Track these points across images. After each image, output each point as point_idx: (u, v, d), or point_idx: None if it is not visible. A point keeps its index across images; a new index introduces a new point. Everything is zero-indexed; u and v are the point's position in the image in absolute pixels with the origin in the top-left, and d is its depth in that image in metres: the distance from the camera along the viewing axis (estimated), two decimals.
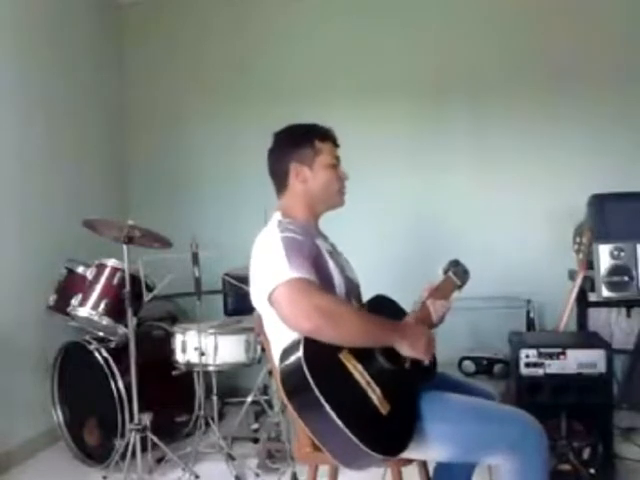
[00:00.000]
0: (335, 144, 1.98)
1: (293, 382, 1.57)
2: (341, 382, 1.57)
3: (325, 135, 1.96)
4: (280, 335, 1.71)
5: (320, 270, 1.74)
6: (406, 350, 1.68)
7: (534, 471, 1.64)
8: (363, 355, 1.63)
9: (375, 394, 1.58)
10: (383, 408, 1.57)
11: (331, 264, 1.83)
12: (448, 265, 2.01)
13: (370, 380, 1.59)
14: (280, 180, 1.95)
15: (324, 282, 1.73)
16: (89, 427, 3.16)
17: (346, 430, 1.47)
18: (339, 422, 1.47)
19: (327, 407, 1.48)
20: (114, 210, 3.90)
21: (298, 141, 1.93)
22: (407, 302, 1.90)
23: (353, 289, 1.92)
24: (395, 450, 1.56)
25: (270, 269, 1.67)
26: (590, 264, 2.78)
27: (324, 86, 3.99)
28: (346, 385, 1.57)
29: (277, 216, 1.88)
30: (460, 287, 1.99)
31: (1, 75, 3.23)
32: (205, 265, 3.10)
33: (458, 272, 1.98)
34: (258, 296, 1.76)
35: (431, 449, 1.68)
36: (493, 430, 1.66)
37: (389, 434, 1.57)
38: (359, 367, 1.60)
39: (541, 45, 3.79)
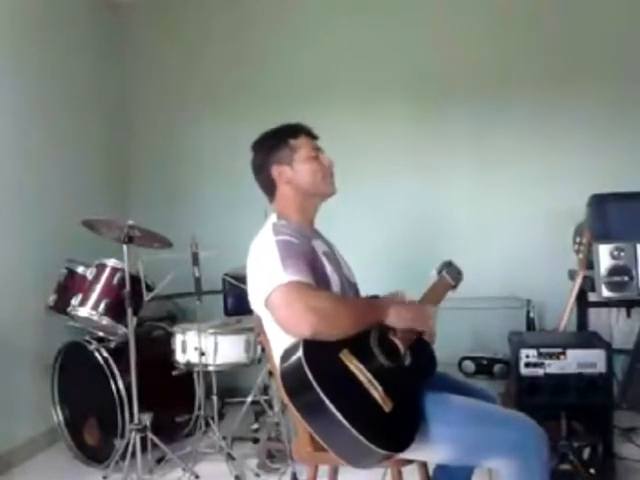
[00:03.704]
0: (311, 136, 1.97)
1: (295, 383, 1.57)
2: (343, 381, 1.57)
3: (297, 131, 1.95)
4: (280, 336, 1.71)
5: (316, 272, 1.74)
6: (393, 320, 1.70)
7: (534, 475, 1.63)
8: (363, 354, 1.63)
9: (377, 392, 1.58)
10: (386, 405, 1.57)
11: (327, 265, 1.83)
12: (442, 266, 2.03)
13: (371, 378, 1.59)
14: (267, 188, 1.96)
15: (321, 284, 1.74)
16: (89, 427, 3.16)
17: (351, 428, 1.48)
18: (344, 421, 1.48)
19: (331, 406, 1.48)
20: (114, 210, 3.90)
21: (273, 145, 1.93)
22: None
23: (350, 288, 1.92)
24: (400, 446, 1.56)
25: (266, 273, 1.68)
26: (590, 264, 2.78)
27: (324, 87, 3.99)
28: (348, 384, 1.57)
29: (272, 218, 1.89)
30: (454, 287, 2.01)
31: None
32: (205, 265, 3.10)
33: (451, 272, 2.00)
34: (256, 300, 1.77)
35: (432, 450, 1.68)
36: (494, 433, 1.66)
37: (393, 431, 1.57)
38: (360, 366, 1.60)
39: (540, 45, 3.79)
